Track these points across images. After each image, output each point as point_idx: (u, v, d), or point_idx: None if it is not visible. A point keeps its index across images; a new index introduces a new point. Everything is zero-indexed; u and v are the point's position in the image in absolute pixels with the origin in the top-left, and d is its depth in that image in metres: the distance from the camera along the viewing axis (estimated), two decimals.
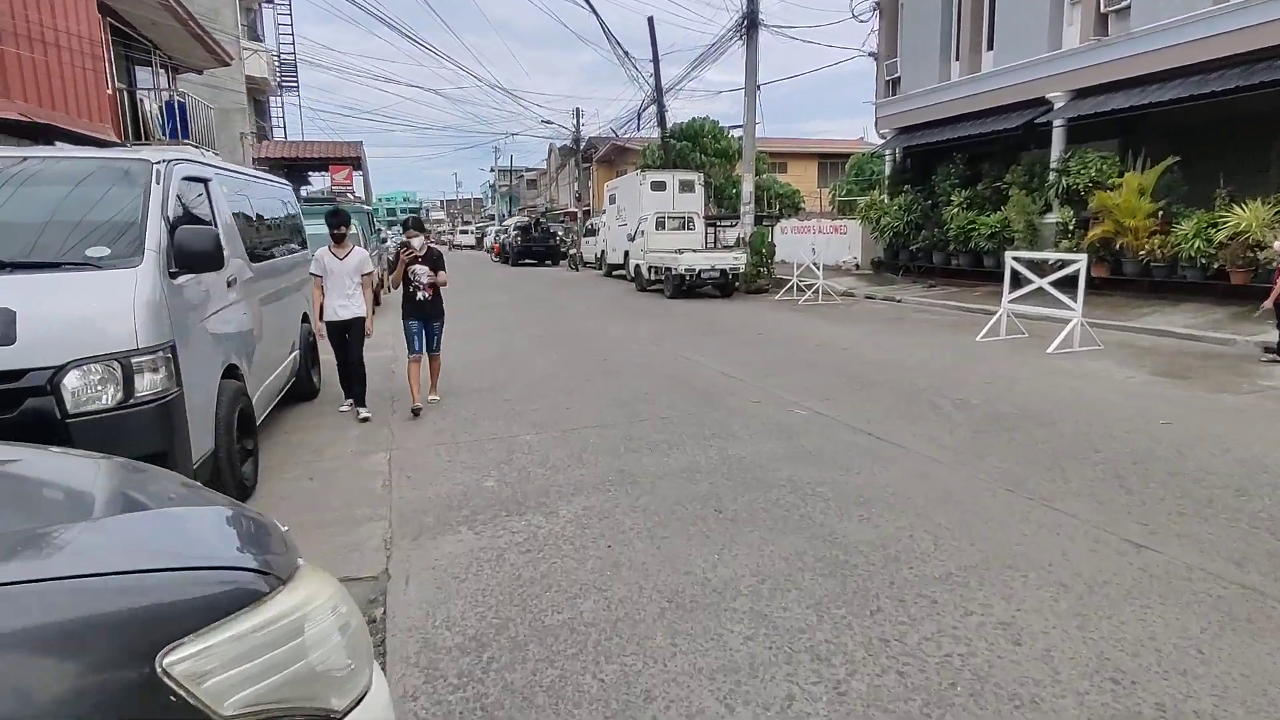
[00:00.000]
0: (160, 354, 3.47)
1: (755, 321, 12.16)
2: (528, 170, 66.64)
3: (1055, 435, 5.33)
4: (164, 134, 14.29)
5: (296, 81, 31.79)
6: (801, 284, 15.33)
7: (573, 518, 3.97)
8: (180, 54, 16.37)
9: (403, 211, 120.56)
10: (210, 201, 4.67)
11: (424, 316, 6.34)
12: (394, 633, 2.87)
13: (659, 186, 20.57)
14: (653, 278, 17.26)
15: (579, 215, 40.26)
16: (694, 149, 28.81)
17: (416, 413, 6.14)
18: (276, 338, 5.74)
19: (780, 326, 11.49)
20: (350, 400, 6.37)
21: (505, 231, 38.43)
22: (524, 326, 11.88)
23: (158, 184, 3.86)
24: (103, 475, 1.73)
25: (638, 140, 34.05)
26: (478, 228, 64.26)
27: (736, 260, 15.71)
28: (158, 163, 3.96)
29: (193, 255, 3.72)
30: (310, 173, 32.50)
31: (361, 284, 6.18)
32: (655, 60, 22.99)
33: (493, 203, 76.51)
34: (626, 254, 21.23)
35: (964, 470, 4.61)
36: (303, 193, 32.27)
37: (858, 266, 19.78)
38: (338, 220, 6.09)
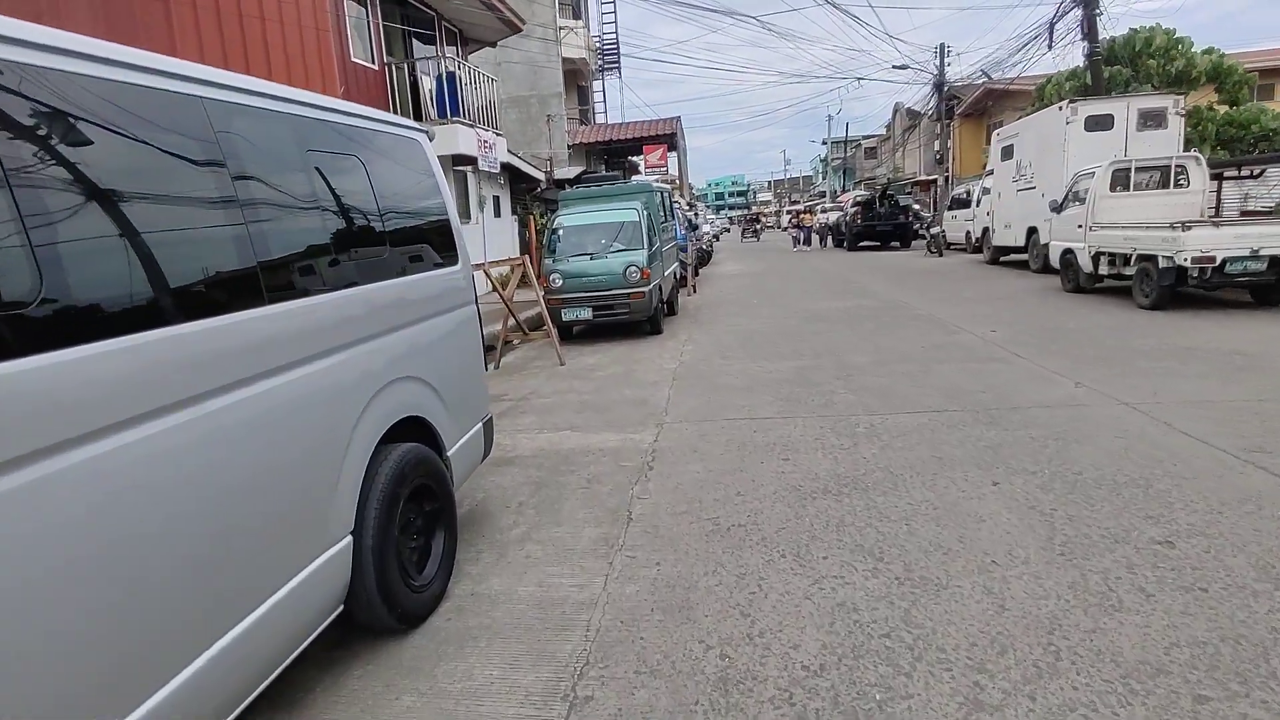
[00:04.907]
0: None
1: None
2: (865, 138, 58.81)
3: None
4: (435, 111, 11.93)
5: (618, 63, 29.97)
6: None
7: None
8: (466, 23, 14.13)
9: (731, 195, 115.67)
10: None
11: None
12: None
13: (1100, 123, 13.03)
14: (1103, 270, 10.31)
15: (936, 184, 32.46)
16: (1125, 74, 19.47)
17: None
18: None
19: None
20: None
21: (841, 208, 32.54)
22: (859, 402, 6.20)
23: None
24: None
25: (1026, 80, 25.26)
26: (806, 206, 58.82)
27: None
28: None
29: None
30: (634, 156, 30.49)
31: None
32: None
33: (823, 178, 70.00)
34: (1031, 231, 14.22)
35: None
36: (634, 180, 30.19)
37: None
38: None
